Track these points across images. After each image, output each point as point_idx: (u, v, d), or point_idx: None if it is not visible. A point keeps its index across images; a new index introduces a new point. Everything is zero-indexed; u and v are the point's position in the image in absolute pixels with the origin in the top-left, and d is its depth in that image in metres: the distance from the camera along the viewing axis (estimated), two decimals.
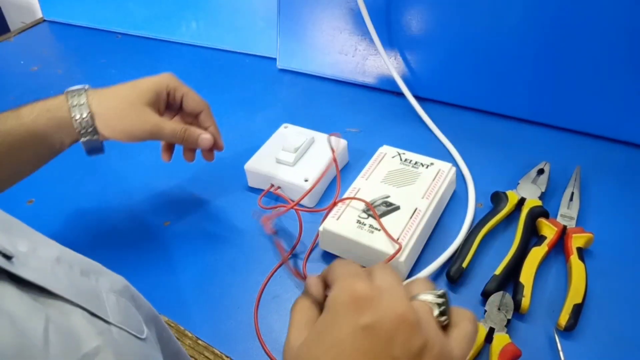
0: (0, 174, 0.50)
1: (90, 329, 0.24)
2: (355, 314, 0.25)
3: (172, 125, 0.54)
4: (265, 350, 0.47)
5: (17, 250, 0.23)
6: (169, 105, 0.56)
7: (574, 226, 0.53)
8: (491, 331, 0.45)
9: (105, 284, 0.27)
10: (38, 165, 0.53)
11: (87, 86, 0.53)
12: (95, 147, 0.53)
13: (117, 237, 0.60)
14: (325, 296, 0.29)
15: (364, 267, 0.30)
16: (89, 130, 0.51)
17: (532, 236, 0.53)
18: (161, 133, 0.53)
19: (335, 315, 0.26)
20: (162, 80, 0.54)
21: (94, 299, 0.25)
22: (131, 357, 0.25)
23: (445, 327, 0.27)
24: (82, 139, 0.51)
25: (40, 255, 0.25)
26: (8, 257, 0.22)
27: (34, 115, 0.49)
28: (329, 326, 0.26)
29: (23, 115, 0.49)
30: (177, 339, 0.48)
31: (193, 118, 0.57)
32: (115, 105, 0.51)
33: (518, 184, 0.58)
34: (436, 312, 0.27)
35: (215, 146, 0.57)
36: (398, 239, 0.50)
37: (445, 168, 0.58)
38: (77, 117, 0.50)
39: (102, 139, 0.53)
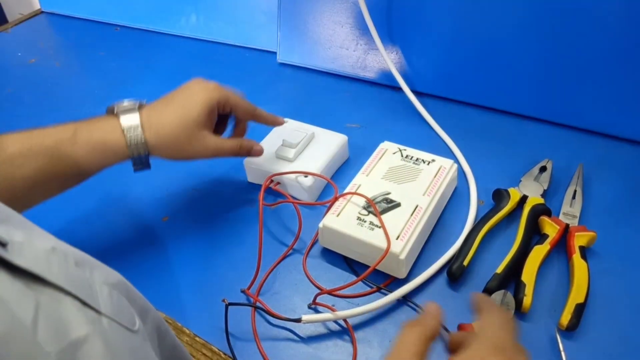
0: (37, 195, 0.49)
1: (80, 317, 0.24)
2: None
3: (229, 143, 0.55)
4: (259, 350, 0.46)
5: (12, 239, 0.24)
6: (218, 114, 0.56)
7: (576, 225, 0.53)
8: None
9: (99, 277, 0.28)
10: (77, 183, 0.52)
11: (137, 104, 0.51)
12: (145, 167, 0.53)
13: (114, 233, 0.60)
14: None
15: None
16: (144, 162, 0.52)
17: (534, 234, 0.53)
18: (220, 154, 0.55)
19: None
20: (212, 97, 0.53)
21: (87, 288, 0.26)
22: (121, 347, 0.26)
23: None
24: (135, 168, 0.52)
25: (35, 244, 0.25)
26: (3, 245, 0.23)
27: (90, 146, 0.48)
28: None
29: (78, 143, 0.48)
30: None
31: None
32: (173, 137, 0.51)
33: (520, 181, 0.58)
34: None
35: (276, 124, 0.62)
36: (398, 237, 0.49)
37: (446, 165, 0.57)
38: (135, 154, 0.50)
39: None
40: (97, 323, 0.25)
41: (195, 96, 0.52)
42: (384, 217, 0.51)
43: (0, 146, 0.45)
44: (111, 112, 0.51)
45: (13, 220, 0.26)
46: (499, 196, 0.56)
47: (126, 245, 0.58)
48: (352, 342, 0.47)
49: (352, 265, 0.53)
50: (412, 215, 0.51)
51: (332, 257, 0.54)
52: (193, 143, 0.52)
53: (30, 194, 0.48)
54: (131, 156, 0.50)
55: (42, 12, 1.14)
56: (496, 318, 0.35)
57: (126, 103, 0.51)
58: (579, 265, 0.48)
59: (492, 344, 0.32)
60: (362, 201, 0.53)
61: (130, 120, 0.49)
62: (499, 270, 0.49)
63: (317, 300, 0.49)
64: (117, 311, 0.27)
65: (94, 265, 0.28)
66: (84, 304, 0.25)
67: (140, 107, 0.51)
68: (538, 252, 0.50)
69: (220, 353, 0.47)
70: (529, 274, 0.48)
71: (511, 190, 0.56)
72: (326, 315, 0.47)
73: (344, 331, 0.48)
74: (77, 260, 0.27)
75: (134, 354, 0.27)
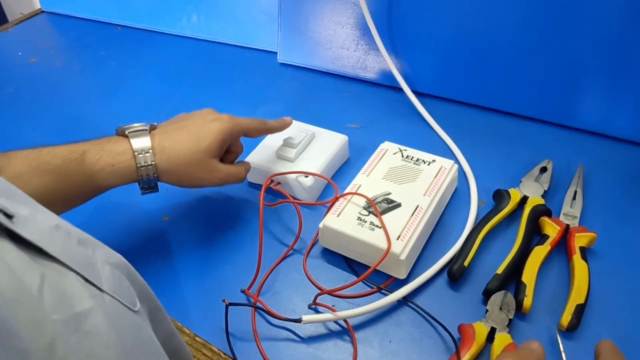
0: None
1: (83, 291, 0.24)
2: None
3: (235, 170, 0.56)
4: (260, 350, 0.46)
5: (18, 213, 0.24)
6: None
7: (576, 225, 0.53)
8: (493, 331, 0.44)
9: (101, 256, 0.28)
10: (81, 203, 0.52)
11: (148, 127, 0.51)
12: (152, 190, 0.53)
13: (115, 232, 0.60)
14: None
15: None
16: (152, 185, 0.51)
17: (534, 235, 0.53)
18: (228, 181, 0.55)
19: None
20: (226, 127, 0.53)
21: (89, 266, 0.26)
22: (122, 324, 0.26)
23: None
24: (142, 192, 0.52)
25: (39, 220, 0.26)
26: (9, 217, 0.23)
27: (98, 167, 0.48)
28: None
29: (87, 164, 0.48)
30: None
31: None
32: (184, 164, 0.51)
33: (520, 182, 0.58)
34: None
35: (286, 127, 0.61)
36: (399, 237, 0.49)
37: (447, 165, 0.57)
38: (144, 176, 0.50)
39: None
40: (99, 298, 0.25)
41: (209, 126, 0.52)
42: (384, 217, 0.51)
43: (8, 162, 0.45)
44: (121, 134, 0.51)
45: (18, 198, 0.27)
46: (500, 197, 0.56)
47: (127, 245, 0.58)
48: (353, 342, 0.47)
49: (352, 266, 0.53)
50: (412, 215, 0.51)
51: (333, 257, 0.54)
52: (203, 172, 0.52)
53: None
54: (140, 179, 0.50)
55: (43, 11, 1.14)
56: None
57: (137, 125, 0.51)
58: (580, 266, 0.48)
59: None
60: (362, 201, 0.53)
61: (141, 143, 0.49)
62: (500, 270, 0.49)
63: (318, 301, 0.49)
64: (118, 290, 0.27)
65: (96, 244, 0.29)
66: (86, 280, 0.25)
67: (151, 130, 0.51)
68: (538, 253, 0.50)
69: (221, 353, 0.47)
70: (529, 275, 0.48)
71: (512, 190, 0.56)
72: (326, 315, 0.47)
73: (344, 331, 0.48)
74: (79, 238, 0.27)
75: (135, 332, 0.27)
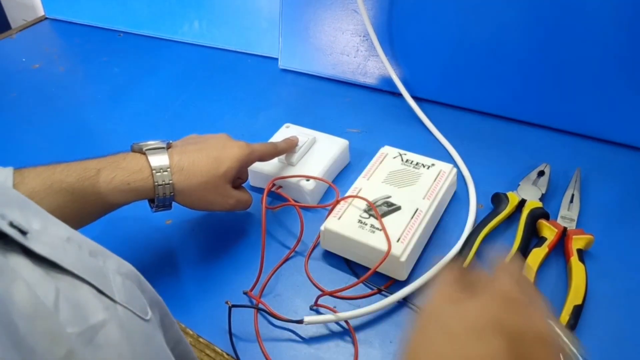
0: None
1: (97, 303, 0.25)
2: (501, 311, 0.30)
3: (245, 197, 0.57)
4: (262, 351, 0.47)
5: (31, 227, 0.25)
6: None
7: (574, 228, 0.53)
8: None
9: (112, 266, 0.29)
10: (94, 220, 0.51)
11: (165, 145, 0.51)
12: (166, 208, 0.53)
13: (118, 236, 0.60)
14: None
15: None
16: (167, 204, 0.51)
17: (532, 237, 0.53)
18: (237, 208, 0.56)
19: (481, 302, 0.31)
20: (244, 154, 0.53)
21: (101, 277, 0.27)
22: (135, 334, 0.26)
23: None
24: (155, 209, 0.52)
25: (51, 233, 0.26)
26: (23, 233, 0.24)
27: (112, 186, 0.47)
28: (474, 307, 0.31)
29: (101, 183, 0.47)
30: None
31: None
32: (200, 186, 0.51)
33: (518, 185, 0.58)
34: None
35: (294, 146, 0.63)
36: (399, 240, 0.50)
37: (446, 169, 0.58)
38: (160, 194, 0.49)
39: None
40: (112, 310, 0.26)
41: (229, 151, 0.52)
42: (384, 220, 0.52)
43: (22, 180, 0.44)
44: (138, 151, 0.50)
45: (31, 208, 0.27)
46: (498, 200, 0.57)
47: (130, 249, 0.59)
48: (354, 343, 0.47)
49: (353, 268, 0.54)
50: (412, 218, 0.52)
51: (334, 259, 0.55)
52: (217, 195, 0.52)
53: None
54: (156, 197, 0.49)
55: (47, 18, 1.15)
56: (504, 270, 0.35)
57: (153, 143, 0.51)
58: (577, 268, 0.49)
59: (499, 295, 0.32)
60: (363, 204, 0.54)
61: (159, 161, 0.49)
62: None
63: (319, 302, 0.49)
64: (130, 300, 0.27)
65: (107, 255, 0.29)
66: (99, 291, 0.25)
67: (167, 148, 0.51)
68: (536, 255, 0.50)
69: (224, 353, 0.48)
70: (527, 276, 0.49)
71: (510, 194, 0.57)
72: (328, 316, 0.48)
73: (346, 332, 0.48)
74: (90, 250, 0.28)
75: (147, 341, 0.27)
